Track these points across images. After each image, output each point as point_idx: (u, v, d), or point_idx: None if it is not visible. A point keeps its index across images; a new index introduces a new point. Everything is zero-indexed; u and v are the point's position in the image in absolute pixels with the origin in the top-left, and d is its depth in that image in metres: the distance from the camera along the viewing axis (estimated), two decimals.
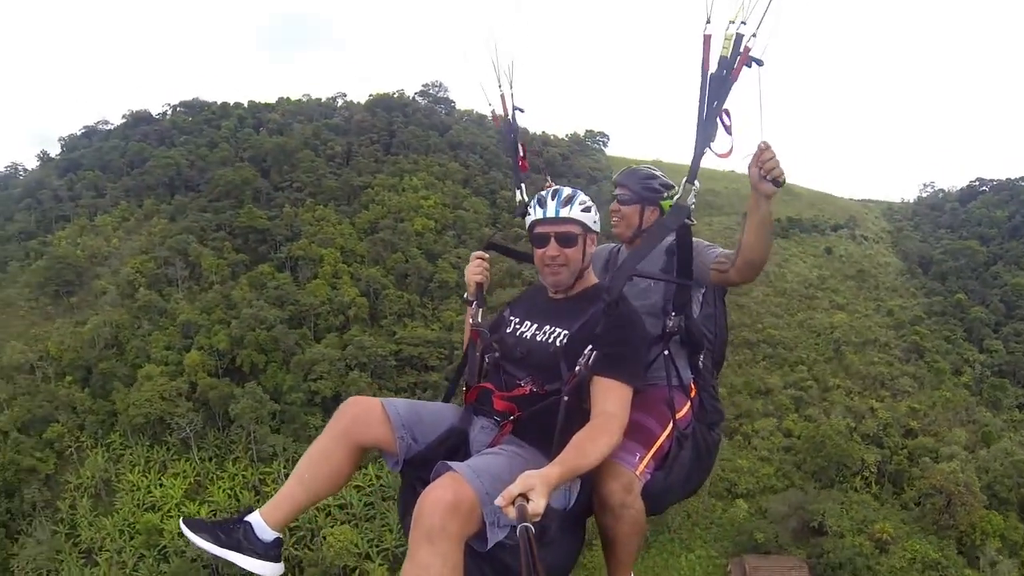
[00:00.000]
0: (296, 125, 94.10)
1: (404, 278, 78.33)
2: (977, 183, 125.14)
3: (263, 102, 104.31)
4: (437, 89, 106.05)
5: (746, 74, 2.63)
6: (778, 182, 2.81)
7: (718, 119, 2.70)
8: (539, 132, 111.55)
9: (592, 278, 3.05)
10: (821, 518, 52.26)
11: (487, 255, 3.32)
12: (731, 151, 2.76)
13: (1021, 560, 51.19)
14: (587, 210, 2.89)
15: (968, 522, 52.70)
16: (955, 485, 54.15)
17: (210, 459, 58.71)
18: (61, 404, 59.82)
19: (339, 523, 53.74)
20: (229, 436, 59.68)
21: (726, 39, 2.60)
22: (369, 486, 57.69)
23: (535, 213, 2.90)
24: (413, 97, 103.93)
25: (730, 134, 2.74)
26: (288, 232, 77.09)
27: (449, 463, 2.40)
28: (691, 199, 2.90)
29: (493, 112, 3.52)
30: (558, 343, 2.79)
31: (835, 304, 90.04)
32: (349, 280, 74.37)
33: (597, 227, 2.93)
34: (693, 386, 3.23)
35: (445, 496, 2.21)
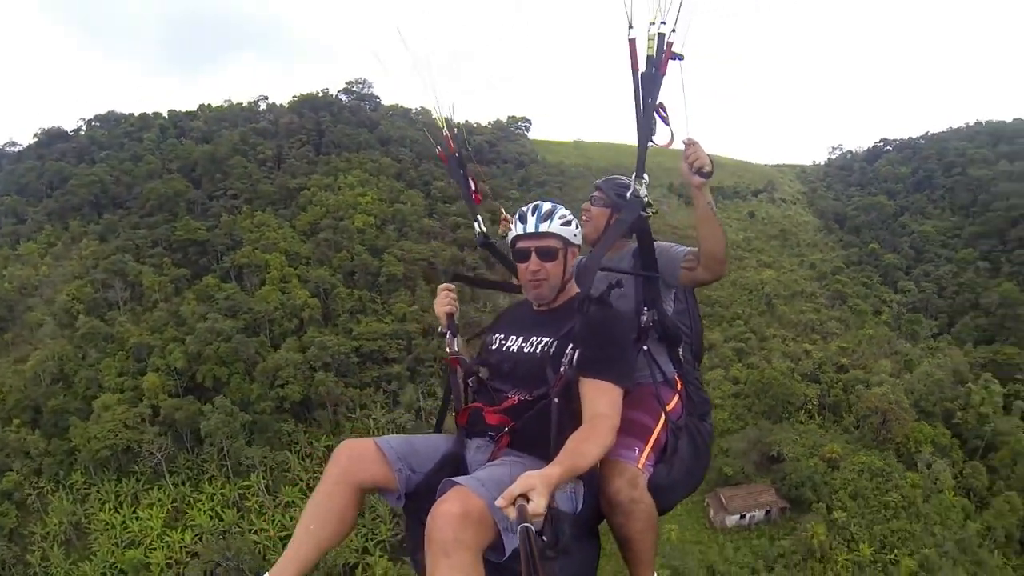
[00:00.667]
0: (223, 132, 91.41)
1: (351, 275, 78.39)
2: (882, 143, 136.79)
3: (184, 111, 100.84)
4: (361, 86, 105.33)
5: (672, 67, 2.79)
6: (703, 172, 2.95)
7: (655, 113, 2.82)
8: (463, 121, 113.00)
9: (575, 289, 3.10)
10: (778, 448, 57.08)
11: (454, 286, 3.38)
12: (671, 140, 2.89)
13: (951, 460, 57.61)
14: (567, 224, 2.96)
15: (903, 434, 58.70)
16: (888, 405, 60.01)
17: (184, 483, 56.83)
18: (12, 450, 55.96)
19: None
20: (201, 456, 58.10)
21: (650, 39, 2.74)
22: None
23: (516, 228, 2.98)
24: (337, 96, 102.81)
25: (668, 125, 2.85)
26: (229, 241, 75.43)
27: (452, 479, 2.42)
28: (643, 191, 2.98)
29: (439, 150, 3.57)
30: (544, 350, 2.87)
31: (762, 262, 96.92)
32: (298, 283, 73.69)
33: (578, 240, 3.02)
34: (678, 379, 3.30)
35: (453, 508, 2.23)
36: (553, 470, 2.19)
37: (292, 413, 62.56)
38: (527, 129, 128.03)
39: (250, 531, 52.94)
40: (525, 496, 2.03)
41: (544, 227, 2.90)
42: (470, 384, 3.04)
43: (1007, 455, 57.13)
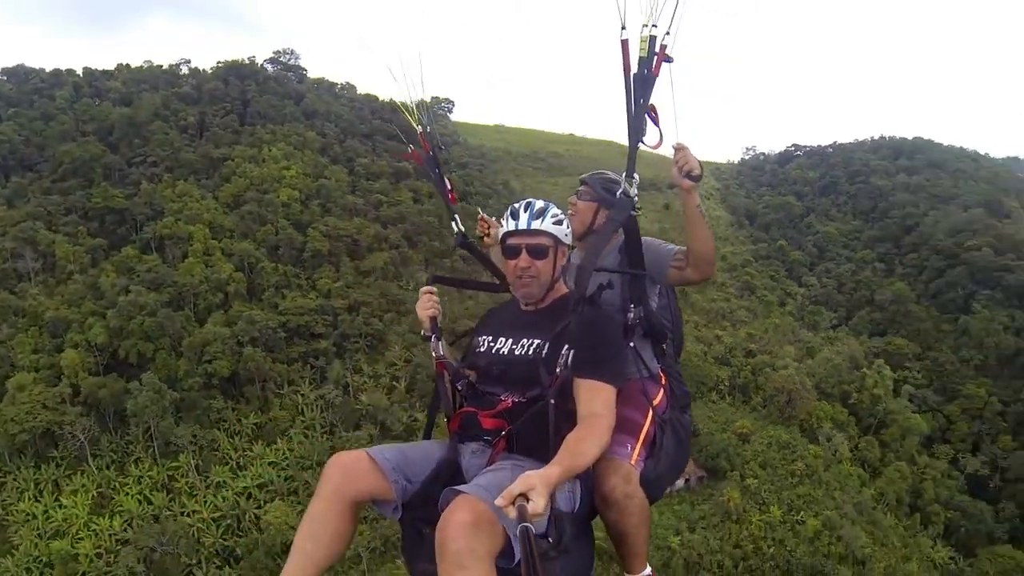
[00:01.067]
0: (143, 94, 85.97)
1: (276, 250, 76.65)
2: (793, 148, 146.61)
3: (100, 69, 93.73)
4: (289, 56, 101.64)
5: (662, 69, 2.82)
6: (692, 176, 3.02)
7: (646, 115, 2.85)
8: (388, 99, 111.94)
9: (564, 289, 3.10)
10: (695, 424, 61.54)
11: (434, 289, 3.28)
12: (661, 142, 2.92)
13: (848, 435, 64.45)
14: (559, 223, 2.95)
15: (805, 412, 65.00)
16: (792, 386, 65.82)
17: (109, 466, 53.85)
18: None
19: (263, 504, 52.64)
20: (126, 437, 55.40)
21: (642, 40, 2.76)
22: (284, 460, 57.26)
23: (507, 225, 2.97)
24: (263, 65, 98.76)
25: (658, 127, 2.89)
26: (149, 211, 71.50)
27: (456, 488, 2.39)
28: (633, 191, 2.98)
29: (412, 149, 3.56)
30: (536, 351, 2.85)
31: None
32: (222, 256, 71.30)
33: (568, 240, 3.01)
34: (662, 374, 3.33)
35: (464, 517, 2.19)
36: (552, 470, 2.21)
37: (220, 389, 60.78)
38: (450, 111, 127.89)
39: (182, 514, 51.29)
40: (525, 496, 2.03)
41: (536, 224, 2.91)
42: (459, 388, 3.02)
43: (896, 431, 64.71)
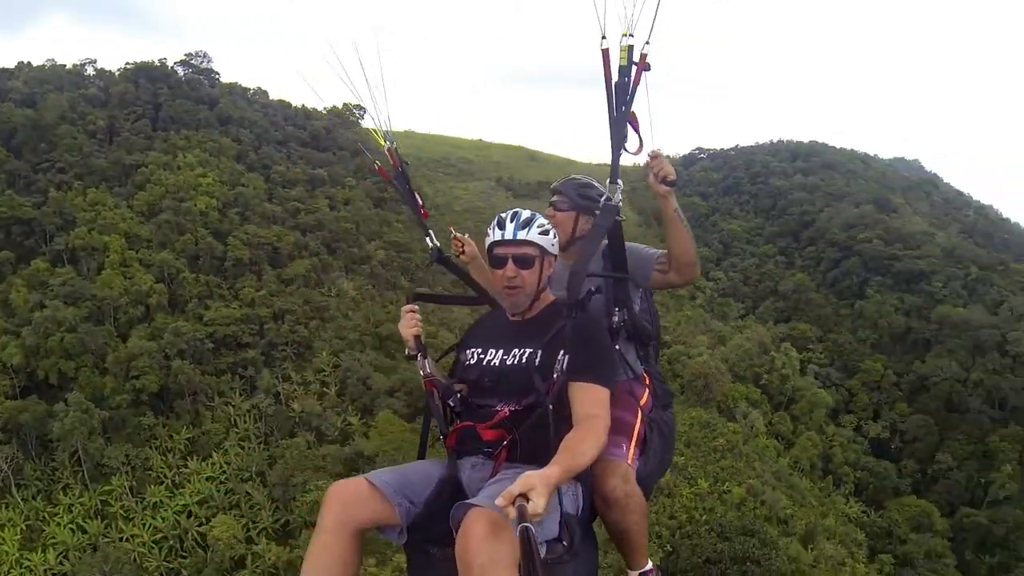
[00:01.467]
0: (49, 96, 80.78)
1: (196, 260, 74.65)
2: (697, 151, 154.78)
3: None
4: (201, 59, 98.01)
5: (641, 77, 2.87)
6: (668, 181, 3.08)
7: (627, 122, 2.93)
8: (300, 105, 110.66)
9: (550, 297, 3.09)
10: None
11: (416, 307, 3.26)
12: (640, 148, 3.03)
13: (762, 411, 69.93)
14: (545, 233, 2.94)
15: (722, 393, 69.98)
16: (708, 371, 70.46)
17: (36, 496, 50.80)
18: None
19: (206, 520, 51.32)
20: (51, 463, 52.51)
21: (622, 49, 2.82)
22: (222, 473, 55.98)
23: (493, 235, 2.94)
24: (173, 68, 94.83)
25: (638, 133, 2.98)
26: (60, 221, 67.85)
27: (466, 502, 2.37)
28: (617, 197, 3.04)
29: (379, 166, 3.51)
30: (529, 360, 2.84)
31: None
32: (140, 267, 68.74)
33: (555, 250, 2.99)
34: (645, 375, 3.38)
35: (481, 529, 2.18)
36: (552, 470, 2.21)
37: (150, 406, 58.87)
38: (362, 116, 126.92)
39: (121, 539, 49.15)
40: (524, 496, 2.02)
41: (522, 235, 2.89)
42: (451, 405, 2.99)
43: (805, 406, 70.98)
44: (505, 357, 2.92)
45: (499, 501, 2.04)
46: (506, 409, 2.80)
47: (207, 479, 55.00)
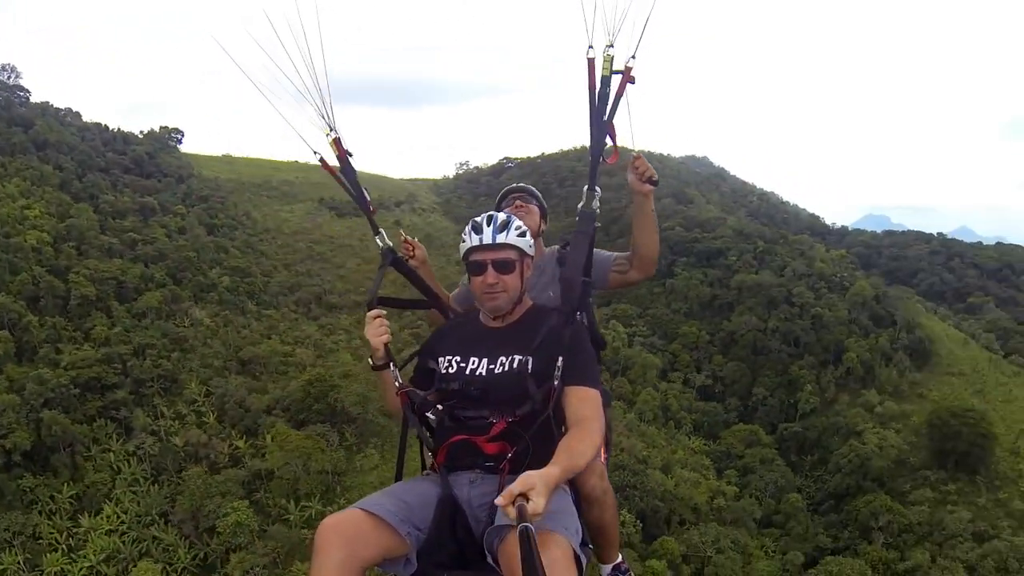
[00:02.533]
0: None
1: (36, 301, 69.97)
2: (505, 161, 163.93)
3: None
4: (9, 74, 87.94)
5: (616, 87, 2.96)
6: (653, 181, 3.24)
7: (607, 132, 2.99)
8: (116, 129, 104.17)
9: (528, 301, 3.06)
10: None
11: (384, 312, 3.08)
12: (617, 157, 3.16)
13: (604, 378, 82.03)
14: (522, 235, 2.90)
15: None
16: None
17: None
18: None
19: (122, 573, 49.93)
20: None
21: (605, 60, 2.88)
22: (121, 524, 53.91)
23: (470, 240, 2.88)
24: None
25: (615, 143, 3.09)
26: None
27: (503, 525, 2.30)
28: (595, 204, 3.11)
29: (323, 160, 3.20)
30: (520, 367, 2.78)
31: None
32: None
33: (532, 251, 2.96)
34: None
35: (560, 553, 2.22)
36: (552, 470, 2.23)
37: (24, 467, 54.77)
38: (179, 141, 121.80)
39: None
40: (525, 495, 2.03)
41: (501, 238, 2.84)
42: (431, 417, 2.87)
43: (639, 370, 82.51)
44: (491, 365, 2.82)
45: (499, 501, 2.04)
46: (503, 420, 2.71)
47: (106, 533, 52.74)
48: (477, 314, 3.08)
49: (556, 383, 2.73)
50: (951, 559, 50.52)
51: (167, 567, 50.57)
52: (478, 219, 2.96)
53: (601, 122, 3.02)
